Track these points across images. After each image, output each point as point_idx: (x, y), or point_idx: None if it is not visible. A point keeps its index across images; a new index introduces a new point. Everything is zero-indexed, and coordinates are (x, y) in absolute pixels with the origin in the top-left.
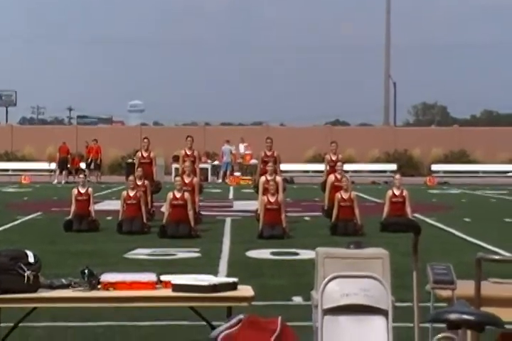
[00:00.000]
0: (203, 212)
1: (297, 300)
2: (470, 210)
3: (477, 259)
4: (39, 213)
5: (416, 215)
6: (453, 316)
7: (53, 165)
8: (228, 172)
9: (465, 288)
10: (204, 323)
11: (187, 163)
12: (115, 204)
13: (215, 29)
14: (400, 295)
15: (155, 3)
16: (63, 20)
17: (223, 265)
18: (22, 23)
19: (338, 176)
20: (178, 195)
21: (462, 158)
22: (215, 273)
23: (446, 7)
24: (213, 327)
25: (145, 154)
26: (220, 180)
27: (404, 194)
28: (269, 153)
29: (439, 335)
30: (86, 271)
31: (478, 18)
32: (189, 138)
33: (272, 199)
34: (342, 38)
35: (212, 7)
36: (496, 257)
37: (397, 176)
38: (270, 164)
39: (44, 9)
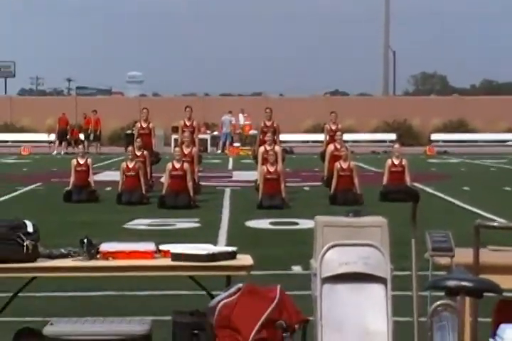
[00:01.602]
0: (202, 183)
1: (296, 269)
2: (469, 179)
3: (475, 226)
4: (39, 184)
5: (415, 184)
6: (451, 283)
7: (52, 136)
8: (228, 143)
9: (463, 255)
10: (203, 292)
11: (186, 134)
12: (114, 175)
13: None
14: (398, 264)
15: None
16: None
17: (222, 235)
18: None
19: (338, 146)
20: (177, 165)
21: (461, 127)
22: (215, 243)
23: None
24: (212, 296)
25: (144, 125)
26: (219, 151)
27: (403, 163)
28: (268, 124)
29: (438, 302)
30: (85, 241)
31: None
32: (188, 109)
33: (272, 169)
34: (341, 7)
35: None
36: (494, 224)
37: (397, 145)
38: (269, 134)
39: None
